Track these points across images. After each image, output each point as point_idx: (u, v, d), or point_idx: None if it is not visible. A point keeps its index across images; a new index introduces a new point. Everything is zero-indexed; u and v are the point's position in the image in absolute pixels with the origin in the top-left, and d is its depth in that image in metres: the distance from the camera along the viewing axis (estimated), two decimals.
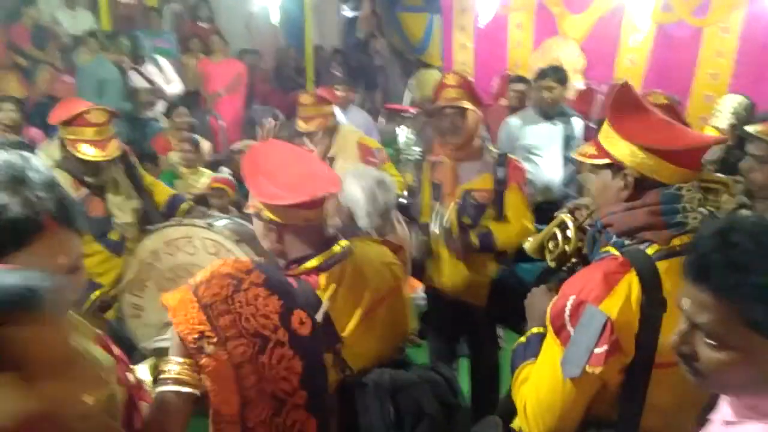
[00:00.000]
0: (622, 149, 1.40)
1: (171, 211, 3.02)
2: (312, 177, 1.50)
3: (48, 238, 1.09)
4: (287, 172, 1.49)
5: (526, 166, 2.97)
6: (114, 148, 2.68)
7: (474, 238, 2.72)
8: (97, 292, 2.65)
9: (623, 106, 1.42)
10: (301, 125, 3.55)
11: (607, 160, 1.43)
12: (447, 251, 2.76)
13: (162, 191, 3.07)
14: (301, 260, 1.51)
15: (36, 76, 5.33)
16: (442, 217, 2.73)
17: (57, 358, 0.86)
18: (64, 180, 2.62)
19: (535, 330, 1.57)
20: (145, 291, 2.59)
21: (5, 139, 3.64)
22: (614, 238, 1.45)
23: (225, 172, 4.33)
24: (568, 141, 4.11)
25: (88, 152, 2.62)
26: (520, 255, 2.08)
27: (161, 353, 1.45)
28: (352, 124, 4.24)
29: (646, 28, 5.23)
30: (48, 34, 5.70)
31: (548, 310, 1.40)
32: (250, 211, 1.54)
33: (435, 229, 2.75)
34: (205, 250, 2.52)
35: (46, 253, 1.08)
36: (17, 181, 1.08)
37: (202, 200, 3.78)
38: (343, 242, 1.56)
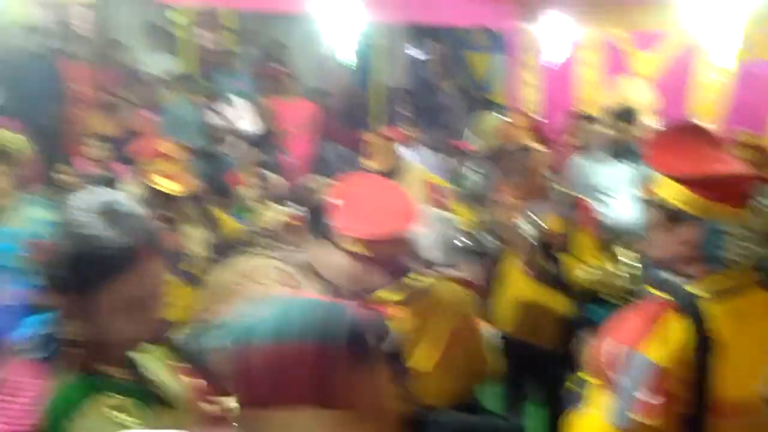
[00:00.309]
0: (659, 184, 1.38)
1: (240, 244, 3.14)
2: (396, 211, 1.53)
3: (142, 267, 1.16)
4: (373, 205, 1.53)
5: (596, 207, 2.93)
6: (189, 182, 2.81)
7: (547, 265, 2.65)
8: (171, 322, 2.76)
9: (661, 139, 1.41)
10: (367, 163, 3.64)
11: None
12: (518, 274, 2.70)
13: (232, 225, 3.20)
14: (374, 290, 1.54)
15: (121, 114, 5.67)
16: (535, 219, 2.64)
17: (375, 405, 0.89)
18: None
19: (583, 375, 1.53)
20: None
21: (94, 173, 3.89)
22: (655, 273, 1.42)
23: (294, 207, 4.47)
24: (638, 181, 4.03)
25: (164, 185, 2.76)
26: (594, 297, 2.04)
27: None
28: (418, 162, 4.30)
29: (723, 66, 5.10)
30: (134, 76, 6.08)
31: (593, 354, 1.37)
32: (331, 241, 1.59)
33: (526, 228, 2.65)
34: (271, 282, 2.59)
35: (139, 281, 1.16)
36: (113, 213, 1.16)
37: (271, 234, 3.91)
38: (417, 275, 1.58)
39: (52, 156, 5.33)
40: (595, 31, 5.89)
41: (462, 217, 3.24)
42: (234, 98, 5.99)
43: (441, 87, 8.35)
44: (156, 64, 6.33)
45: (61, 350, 1.17)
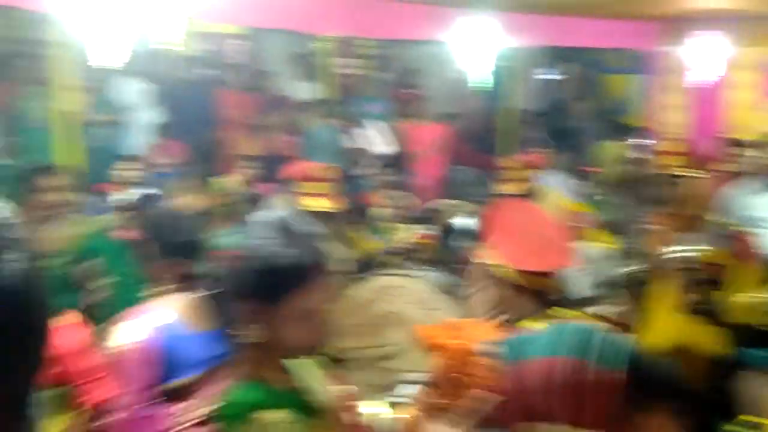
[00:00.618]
0: None
1: (372, 263, 3.24)
2: (551, 245, 1.54)
3: (315, 281, 1.26)
4: (529, 235, 1.54)
5: (753, 238, 2.72)
6: (336, 202, 2.95)
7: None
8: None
9: None
10: (503, 188, 3.62)
11: None
12: (668, 310, 2.57)
13: (366, 244, 3.31)
14: (517, 320, 1.54)
15: (266, 137, 6.08)
16: (688, 250, 2.52)
17: None
18: None
19: (748, 418, 1.42)
20: (345, 340, 2.71)
21: (246, 191, 4.20)
22: None
23: (425, 229, 4.54)
24: None
25: (313, 204, 2.91)
26: (752, 339, 1.90)
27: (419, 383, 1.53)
28: (554, 187, 4.22)
29: None
30: (278, 102, 6.49)
31: None
32: (478, 262, 1.61)
33: (677, 259, 2.51)
34: (404, 300, 2.64)
35: (312, 295, 1.26)
36: (289, 232, 1.27)
37: (403, 254, 4.00)
38: (560, 310, 1.56)
39: (206, 174, 5.82)
40: (749, 51, 5.49)
41: (604, 245, 3.14)
42: (369, 122, 6.22)
43: (574, 110, 8.15)
44: (299, 90, 6.73)
45: (237, 354, 1.29)
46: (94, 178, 4.70)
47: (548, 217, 1.73)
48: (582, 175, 5.89)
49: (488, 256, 1.59)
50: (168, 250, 1.93)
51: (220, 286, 1.77)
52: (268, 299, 1.24)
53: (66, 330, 2.01)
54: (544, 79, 8.90)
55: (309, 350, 1.35)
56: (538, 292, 1.55)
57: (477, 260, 1.64)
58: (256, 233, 1.27)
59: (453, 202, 5.56)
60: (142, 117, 5.79)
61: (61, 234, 3.20)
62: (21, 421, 0.47)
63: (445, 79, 7.76)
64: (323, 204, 2.91)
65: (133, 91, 5.80)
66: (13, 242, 0.47)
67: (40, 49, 5.95)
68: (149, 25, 4.22)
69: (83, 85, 5.31)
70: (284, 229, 1.27)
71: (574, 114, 8.08)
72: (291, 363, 1.37)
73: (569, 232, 3.03)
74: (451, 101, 7.87)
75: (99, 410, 1.97)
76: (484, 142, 7.49)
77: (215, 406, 1.24)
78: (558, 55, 8.71)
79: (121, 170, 4.63)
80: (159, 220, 2.07)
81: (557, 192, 3.77)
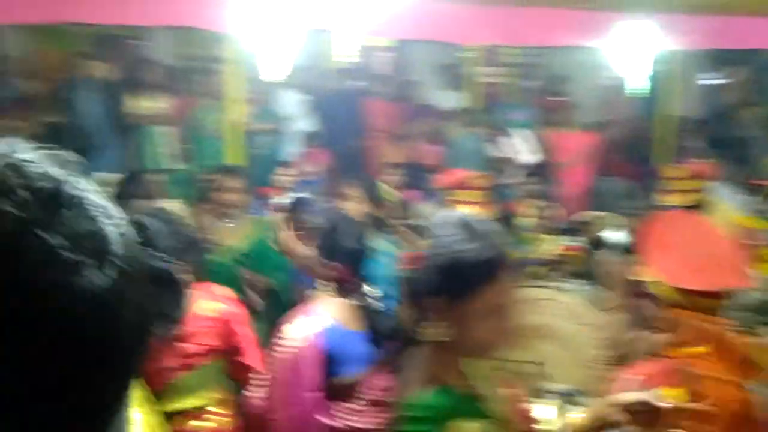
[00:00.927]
0: None
1: (518, 273, 3.18)
2: (721, 263, 1.43)
3: (501, 277, 1.30)
4: (695, 252, 1.45)
5: None
6: (489, 210, 2.95)
7: None
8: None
9: None
10: (667, 198, 3.39)
11: None
12: None
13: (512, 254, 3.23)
14: (682, 344, 1.45)
15: (412, 146, 6.22)
16: None
17: None
18: None
19: None
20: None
21: (397, 198, 4.35)
22: None
23: (571, 240, 4.41)
24: None
25: (467, 212, 2.92)
26: None
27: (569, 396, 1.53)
28: (723, 200, 3.90)
29: None
30: (423, 110, 6.62)
31: None
32: (632, 279, 1.55)
33: None
34: (552, 312, 2.58)
35: (499, 291, 1.29)
36: (472, 229, 1.31)
37: (550, 266, 3.91)
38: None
39: (353, 182, 6.07)
40: None
41: None
42: (515, 130, 6.15)
43: (741, 117, 7.47)
44: (444, 99, 6.82)
45: (403, 356, 1.36)
46: (257, 182, 5.11)
47: (719, 231, 1.61)
48: (751, 189, 5.39)
49: (646, 272, 1.52)
50: (335, 255, 2.05)
51: (398, 289, 1.85)
52: (458, 295, 1.28)
53: (229, 300, 2.21)
54: (706, 84, 8.27)
55: (494, 349, 1.36)
56: (703, 314, 1.44)
57: (632, 276, 1.58)
58: (440, 232, 1.32)
59: (601, 213, 5.34)
60: (299, 126, 6.17)
61: (235, 232, 3.52)
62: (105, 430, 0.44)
63: (595, 86, 7.47)
64: (477, 212, 2.92)
65: (291, 102, 6.21)
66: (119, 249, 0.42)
67: (213, 65, 6.59)
68: (306, 40, 4.50)
69: (249, 97, 5.80)
70: (466, 226, 1.31)
71: (741, 122, 7.41)
72: (468, 366, 1.38)
73: (743, 249, 2.78)
74: (602, 109, 7.55)
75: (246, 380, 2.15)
76: (636, 152, 7.11)
77: (403, 411, 1.29)
78: (724, 59, 8.05)
79: (280, 175, 5.00)
80: (330, 225, 2.20)
81: (727, 205, 3.48)
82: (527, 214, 4.82)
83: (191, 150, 5.82)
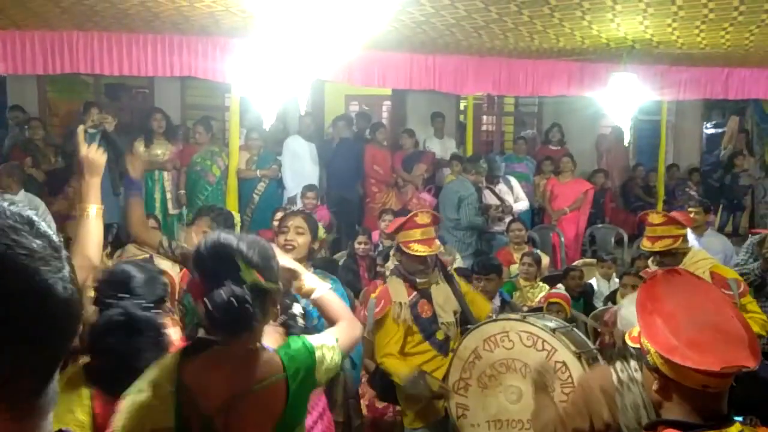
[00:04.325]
0: None
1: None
2: (724, 336, 1.23)
3: None
4: (692, 320, 1.26)
5: None
6: (437, 246, 2.97)
7: None
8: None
9: None
10: (646, 244, 3.41)
11: None
12: None
13: (482, 307, 3.18)
14: (676, 425, 1.26)
15: (406, 192, 6.32)
16: None
17: None
18: (398, 285, 2.94)
19: None
20: (469, 390, 2.74)
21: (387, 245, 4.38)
22: None
23: (561, 289, 4.42)
24: None
25: (418, 249, 2.92)
26: None
27: None
28: (708, 250, 3.91)
29: None
30: (417, 157, 6.69)
31: None
32: (631, 344, 1.42)
33: None
34: (522, 343, 2.58)
35: None
36: None
37: (536, 312, 3.92)
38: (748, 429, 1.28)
39: (350, 229, 6.15)
40: None
41: (758, 316, 2.84)
42: (512, 179, 6.23)
43: (741, 165, 7.52)
44: (441, 147, 6.93)
45: None
46: (259, 225, 5.33)
47: (720, 296, 1.38)
48: (747, 237, 5.39)
49: (641, 339, 1.32)
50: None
51: None
52: None
53: None
54: (704, 133, 8.36)
55: None
56: (708, 397, 1.24)
57: (627, 341, 1.42)
58: None
59: (592, 261, 5.36)
60: (305, 171, 6.23)
61: None
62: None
63: (589, 136, 7.58)
64: (425, 248, 2.87)
65: (292, 148, 6.32)
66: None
67: (220, 114, 6.78)
68: (306, 89, 4.63)
69: (250, 144, 5.96)
70: None
71: (738, 170, 7.45)
72: None
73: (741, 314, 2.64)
74: (597, 157, 7.64)
75: None
76: (631, 199, 7.16)
77: None
78: (722, 108, 8.16)
79: (277, 220, 5.09)
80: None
81: (708, 255, 3.47)
82: (517, 261, 4.85)
83: (185, 195, 5.97)
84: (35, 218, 0.60)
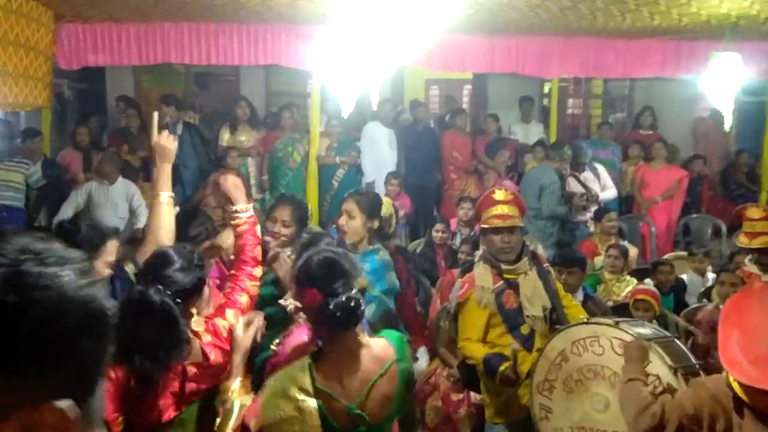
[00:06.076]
0: None
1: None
2: None
3: None
4: None
5: None
6: (513, 221, 2.84)
7: None
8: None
9: None
10: (743, 241, 3.17)
11: None
12: None
13: (574, 309, 3.00)
14: None
15: (488, 179, 6.17)
16: None
17: None
18: (485, 272, 2.85)
19: None
20: (554, 393, 2.62)
21: (465, 233, 4.30)
22: None
23: (650, 284, 4.15)
24: None
25: (495, 222, 2.83)
26: None
27: None
28: None
29: None
30: (500, 144, 6.54)
31: None
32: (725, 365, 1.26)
33: None
34: (613, 350, 2.43)
35: None
36: None
37: (623, 310, 3.70)
38: None
39: (428, 215, 6.10)
40: None
41: None
42: (598, 166, 5.96)
43: None
44: (525, 132, 6.72)
45: None
46: (336, 212, 5.34)
47: None
48: None
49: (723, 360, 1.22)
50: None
51: None
52: None
53: None
54: None
55: None
56: None
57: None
58: None
59: (683, 254, 5.02)
60: (383, 157, 6.23)
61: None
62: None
63: (685, 120, 7.11)
64: (506, 222, 2.78)
65: (371, 135, 6.32)
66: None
67: (302, 101, 6.88)
68: (386, 76, 4.59)
69: (331, 130, 6.01)
70: None
71: None
72: None
73: None
74: (695, 143, 7.16)
75: None
76: (732, 188, 6.67)
77: None
78: None
79: None
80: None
81: None
82: (602, 252, 4.62)
83: (269, 180, 6.10)
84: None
